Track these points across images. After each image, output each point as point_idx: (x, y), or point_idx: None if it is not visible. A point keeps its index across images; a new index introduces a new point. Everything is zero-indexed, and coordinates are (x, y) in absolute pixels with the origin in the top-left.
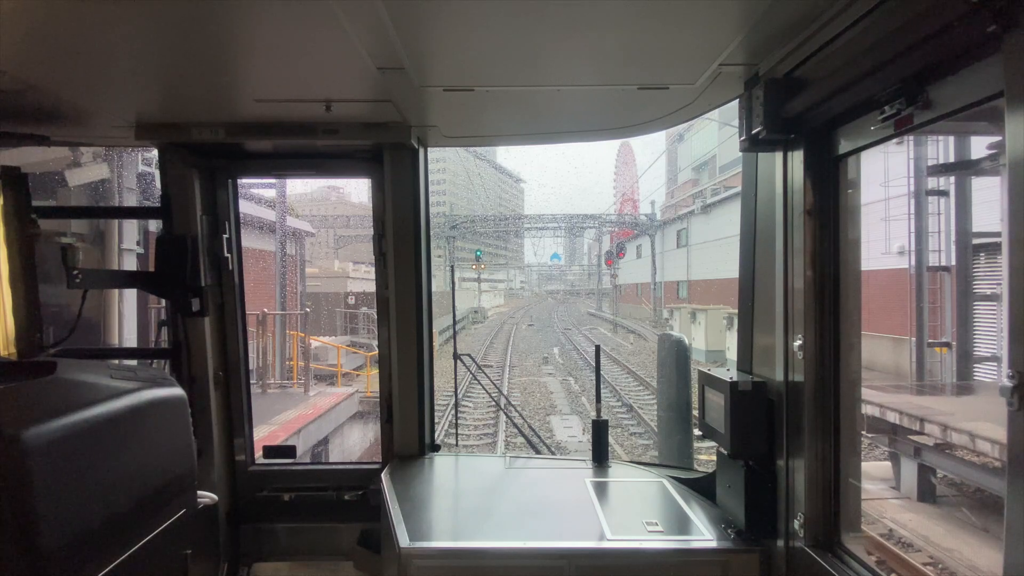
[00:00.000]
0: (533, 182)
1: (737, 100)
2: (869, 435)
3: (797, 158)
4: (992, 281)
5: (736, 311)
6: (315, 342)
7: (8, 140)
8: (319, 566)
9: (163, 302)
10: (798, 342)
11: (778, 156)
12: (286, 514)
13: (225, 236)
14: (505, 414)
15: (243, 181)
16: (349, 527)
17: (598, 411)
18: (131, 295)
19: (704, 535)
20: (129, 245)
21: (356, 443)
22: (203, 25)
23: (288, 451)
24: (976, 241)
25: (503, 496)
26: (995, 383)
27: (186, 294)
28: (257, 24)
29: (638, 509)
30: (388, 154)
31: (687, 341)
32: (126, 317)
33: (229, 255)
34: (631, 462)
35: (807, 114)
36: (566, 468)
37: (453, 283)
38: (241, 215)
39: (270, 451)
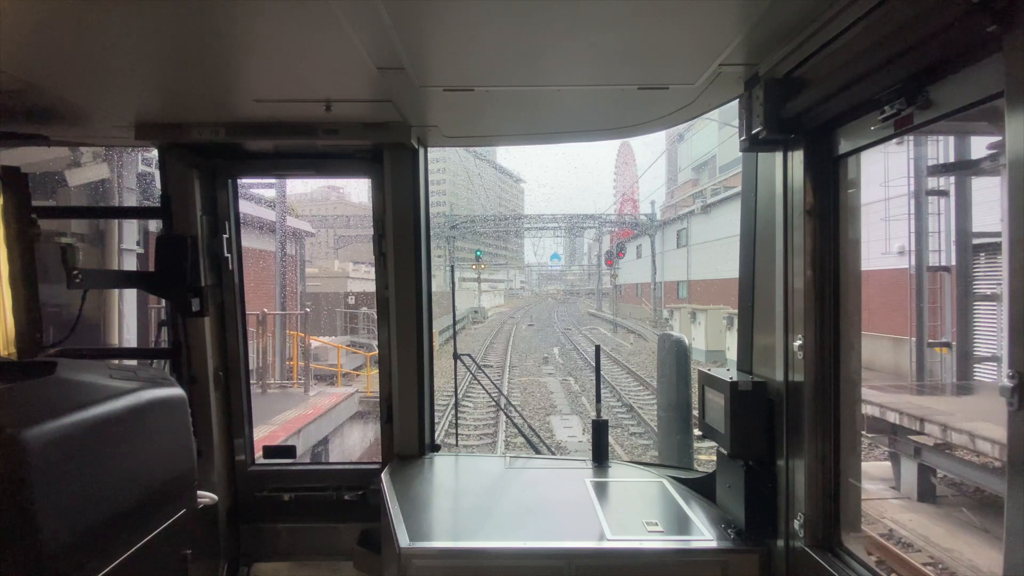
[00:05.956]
0: (533, 182)
1: (737, 100)
2: (869, 435)
3: (797, 158)
4: (992, 281)
5: (736, 311)
6: (315, 342)
7: (8, 140)
8: (319, 566)
9: (163, 302)
10: (798, 342)
11: (778, 156)
12: (286, 514)
13: (225, 236)
14: (505, 414)
15: (243, 181)
16: (349, 527)
17: (598, 411)
18: (131, 295)
19: (704, 535)
20: (129, 245)
21: (356, 443)
22: (203, 25)
23: (288, 451)
24: (976, 241)
25: (503, 496)
26: (995, 383)
27: (186, 294)
28: (257, 24)
29: (638, 509)
30: (388, 154)
31: (687, 341)
32: (126, 317)
33: (229, 255)
34: (631, 462)
35: (807, 114)
36: (566, 468)
37: (453, 283)
38: (241, 215)
39: (270, 451)
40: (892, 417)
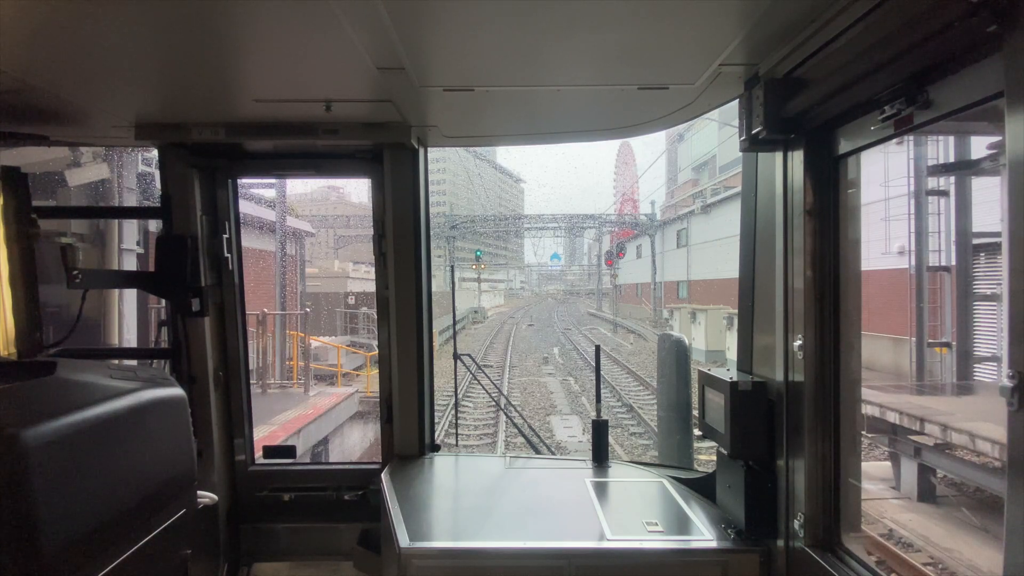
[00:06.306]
0: (533, 182)
1: (737, 100)
2: (869, 435)
3: (797, 158)
4: (992, 281)
5: (736, 311)
6: (315, 342)
7: (8, 140)
8: (319, 566)
9: (163, 302)
10: (798, 342)
11: (778, 156)
12: (286, 514)
13: (225, 236)
14: (505, 414)
15: (243, 181)
16: (349, 527)
17: (598, 411)
18: (131, 295)
19: (704, 535)
20: (129, 245)
21: (356, 443)
22: (203, 25)
23: (288, 451)
24: (976, 241)
25: (503, 496)
26: (995, 383)
27: (186, 294)
28: (257, 24)
29: (638, 509)
30: (388, 154)
31: (687, 341)
32: (126, 317)
33: (229, 255)
34: (631, 462)
35: (807, 114)
36: (566, 468)
37: (453, 283)
38: (241, 215)
39: (270, 451)
40: (892, 417)
